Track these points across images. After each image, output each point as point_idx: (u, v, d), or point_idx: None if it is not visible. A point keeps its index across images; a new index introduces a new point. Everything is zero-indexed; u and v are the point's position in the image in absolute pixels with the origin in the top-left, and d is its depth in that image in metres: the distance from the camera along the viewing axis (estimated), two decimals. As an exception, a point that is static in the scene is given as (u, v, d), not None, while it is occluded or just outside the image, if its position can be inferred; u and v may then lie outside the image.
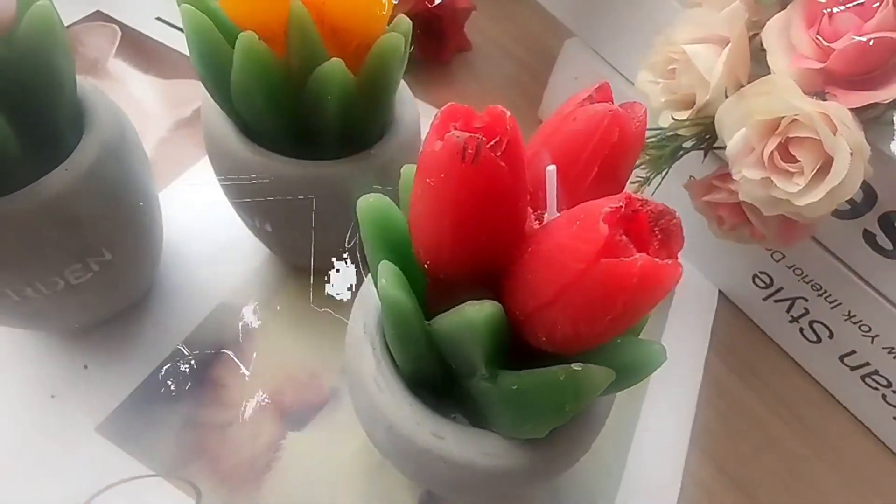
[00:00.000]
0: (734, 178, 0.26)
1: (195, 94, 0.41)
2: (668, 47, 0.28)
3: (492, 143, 0.14)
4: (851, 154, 0.22)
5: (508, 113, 0.14)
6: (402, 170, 0.19)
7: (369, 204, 0.18)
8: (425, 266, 0.17)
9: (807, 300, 0.34)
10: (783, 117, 0.24)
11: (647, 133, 0.30)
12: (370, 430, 0.21)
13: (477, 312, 0.15)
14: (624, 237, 0.13)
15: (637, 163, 0.29)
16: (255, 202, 0.26)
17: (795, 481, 0.32)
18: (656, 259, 0.13)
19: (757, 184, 0.25)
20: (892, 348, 0.31)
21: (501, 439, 0.19)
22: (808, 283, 0.33)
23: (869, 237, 0.29)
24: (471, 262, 0.16)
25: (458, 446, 0.18)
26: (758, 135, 0.25)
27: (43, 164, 0.22)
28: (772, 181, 0.24)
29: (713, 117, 0.27)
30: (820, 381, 0.36)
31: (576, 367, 0.15)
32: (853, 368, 0.34)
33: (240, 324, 0.31)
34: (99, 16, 0.45)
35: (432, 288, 0.18)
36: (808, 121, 0.23)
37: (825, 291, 0.33)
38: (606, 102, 0.17)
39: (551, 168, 0.16)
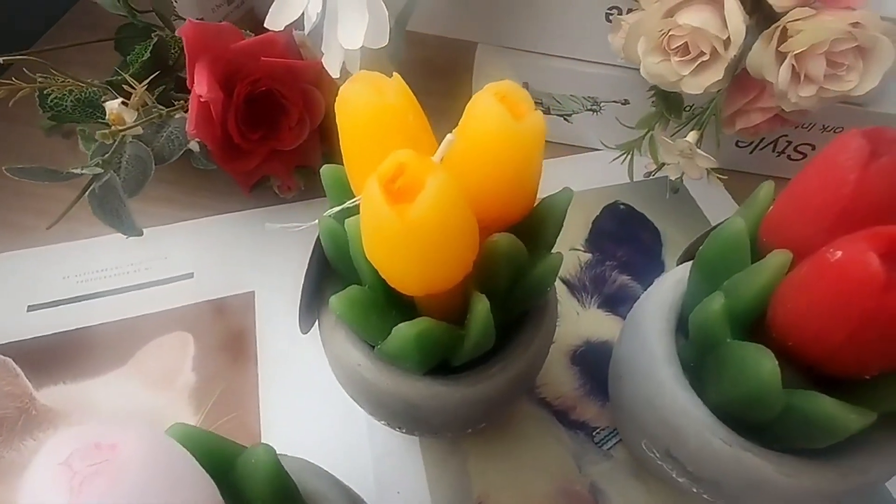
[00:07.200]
0: (791, 100, 0.30)
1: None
2: (660, 26, 0.30)
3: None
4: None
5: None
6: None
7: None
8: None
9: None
10: (820, 42, 0.27)
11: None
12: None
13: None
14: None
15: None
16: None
17: None
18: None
19: (814, 98, 0.29)
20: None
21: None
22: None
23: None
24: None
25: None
26: (802, 62, 0.29)
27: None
28: (828, 89, 0.29)
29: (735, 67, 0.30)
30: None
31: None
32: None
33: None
34: None
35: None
36: (846, 34, 0.27)
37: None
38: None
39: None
